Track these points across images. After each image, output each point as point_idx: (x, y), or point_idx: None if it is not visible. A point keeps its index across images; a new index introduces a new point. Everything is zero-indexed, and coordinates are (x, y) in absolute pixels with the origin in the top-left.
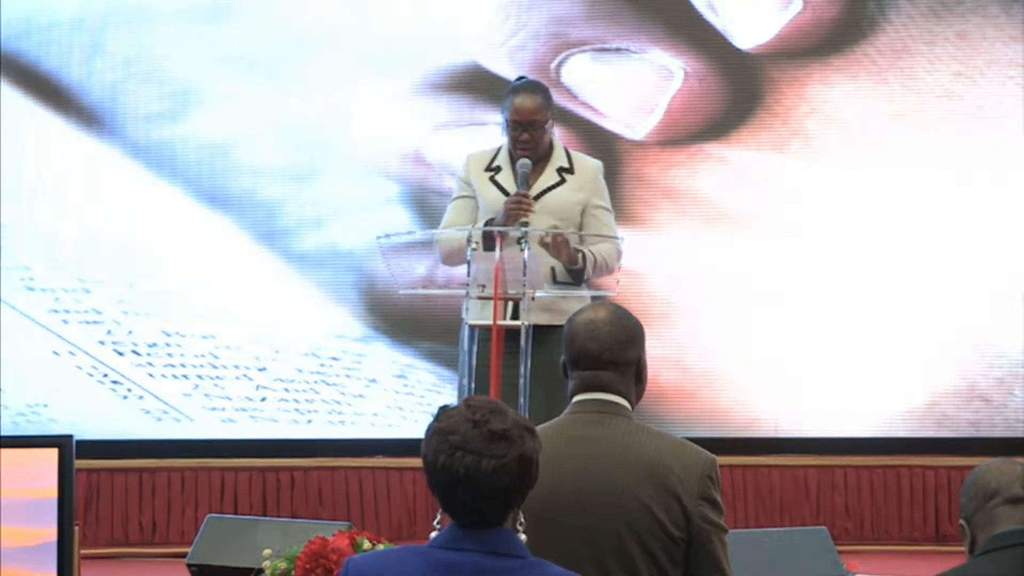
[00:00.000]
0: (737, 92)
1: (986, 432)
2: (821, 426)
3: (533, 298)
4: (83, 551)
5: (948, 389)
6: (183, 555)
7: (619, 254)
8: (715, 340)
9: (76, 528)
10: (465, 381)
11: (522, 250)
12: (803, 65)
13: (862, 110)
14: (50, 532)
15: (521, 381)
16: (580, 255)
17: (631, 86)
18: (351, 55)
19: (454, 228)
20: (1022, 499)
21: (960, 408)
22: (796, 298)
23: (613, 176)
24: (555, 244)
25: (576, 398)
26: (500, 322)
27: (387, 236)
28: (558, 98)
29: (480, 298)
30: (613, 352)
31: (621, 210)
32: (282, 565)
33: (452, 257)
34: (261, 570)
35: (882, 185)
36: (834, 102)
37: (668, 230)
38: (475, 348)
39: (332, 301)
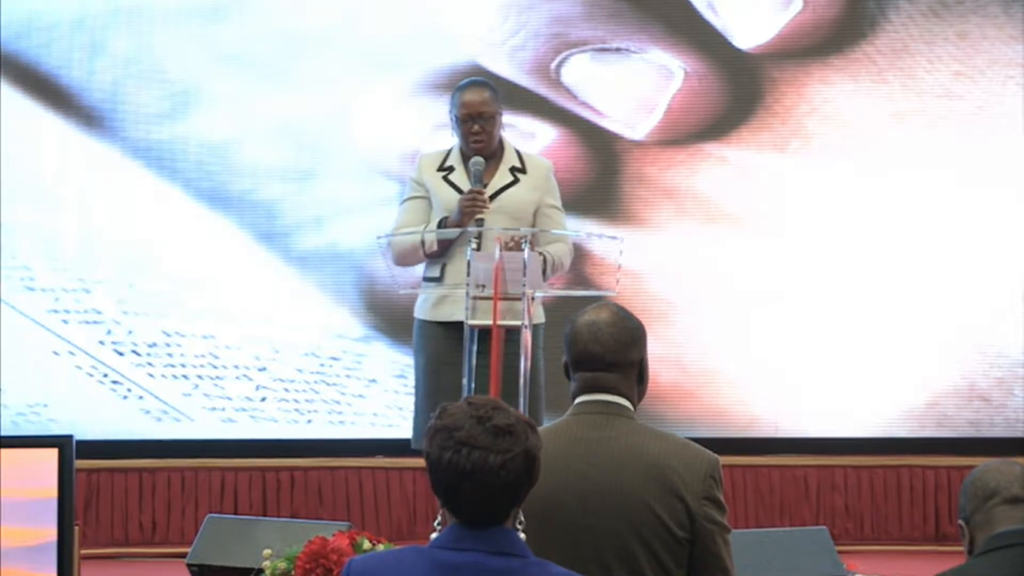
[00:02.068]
0: (737, 92)
1: (986, 432)
2: (821, 426)
3: (533, 298)
4: (83, 551)
5: (948, 389)
6: (183, 555)
7: (570, 253)
8: (715, 340)
9: (76, 528)
10: (464, 381)
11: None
12: (803, 65)
13: (862, 110)
14: (50, 532)
15: (521, 381)
16: (542, 258)
17: (631, 86)
18: (351, 55)
19: (408, 229)
20: (1021, 499)
21: (960, 408)
22: (796, 298)
23: (613, 176)
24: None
25: (579, 399)
26: (500, 322)
27: (387, 236)
28: (558, 98)
29: (479, 298)
30: (616, 354)
31: (621, 210)
32: (282, 565)
33: (406, 258)
34: (261, 570)
35: (882, 185)
36: (834, 102)
37: (668, 230)
38: (474, 347)
39: (332, 301)
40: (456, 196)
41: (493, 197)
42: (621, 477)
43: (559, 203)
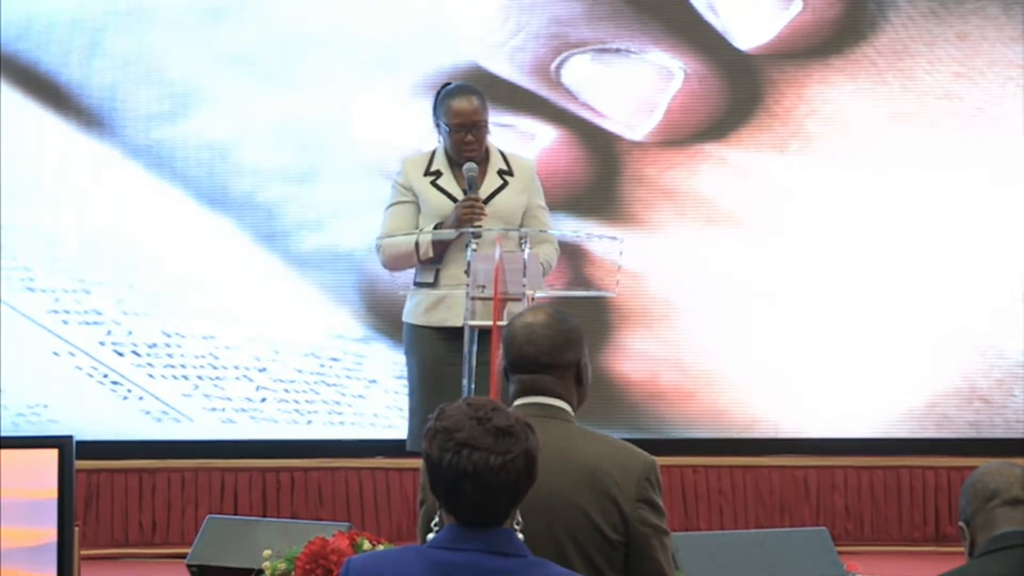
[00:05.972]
0: (737, 92)
1: (986, 433)
2: (821, 427)
3: (533, 298)
4: (83, 551)
5: (948, 390)
6: (183, 555)
7: (557, 251)
8: (715, 340)
9: (76, 528)
10: (464, 381)
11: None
12: (803, 66)
13: (862, 111)
14: (50, 532)
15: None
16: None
17: (631, 86)
18: (351, 55)
19: (402, 233)
20: (1021, 501)
21: (960, 409)
22: (796, 298)
23: (613, 177)
24: None
25: (516, 402)
26: (499, 322)
27: (376, 240)
28: (558, 99)
29: (478, 298)
30: (551, 356)
31: (621, 211)
32: (282, 565)
33: (399, 262)
34: (261, 571)
35: (882, 186)
36: (834, 103)
37: (668, 230)
38: (475, 348)
39: (332, 302)
40: (447, 202)
41: (486, 202)
42: (555, 481)
43: (544, 202)
